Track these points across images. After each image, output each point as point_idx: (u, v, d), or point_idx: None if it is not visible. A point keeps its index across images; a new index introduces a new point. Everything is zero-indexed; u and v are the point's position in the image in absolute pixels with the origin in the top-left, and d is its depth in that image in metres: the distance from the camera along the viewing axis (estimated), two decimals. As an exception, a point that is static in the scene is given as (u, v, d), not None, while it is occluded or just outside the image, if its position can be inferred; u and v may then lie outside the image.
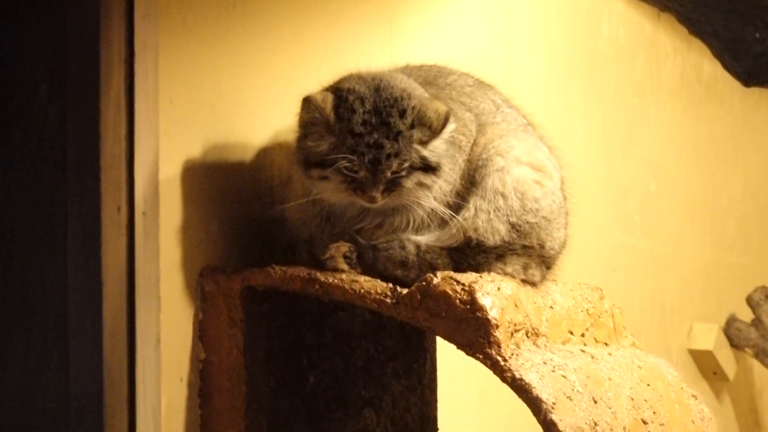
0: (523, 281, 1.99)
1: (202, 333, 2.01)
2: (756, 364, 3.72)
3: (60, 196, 1.90)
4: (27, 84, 1.92)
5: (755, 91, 4.03)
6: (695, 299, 3.66)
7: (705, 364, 3.46)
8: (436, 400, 2.31)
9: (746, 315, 3.73)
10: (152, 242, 1.90)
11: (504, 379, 1.83)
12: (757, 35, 1.51)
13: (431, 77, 2.08)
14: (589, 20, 3.25)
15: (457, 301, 1.84)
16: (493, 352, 1.82)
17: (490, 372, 2.20)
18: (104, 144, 1.88)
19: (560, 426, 1.78)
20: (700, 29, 1.67)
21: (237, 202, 2.11)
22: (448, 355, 2.31)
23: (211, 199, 2.06)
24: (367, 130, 1.91)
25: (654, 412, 1.97)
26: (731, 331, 3.67)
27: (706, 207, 3.82)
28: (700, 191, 3.80)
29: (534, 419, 2.31)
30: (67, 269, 1.90)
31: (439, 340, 2.30)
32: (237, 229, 2.10)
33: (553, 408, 1.79)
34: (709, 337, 3.55)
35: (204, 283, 2.01)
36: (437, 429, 2.30)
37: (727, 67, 1.68)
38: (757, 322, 3.65)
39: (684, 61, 3.69)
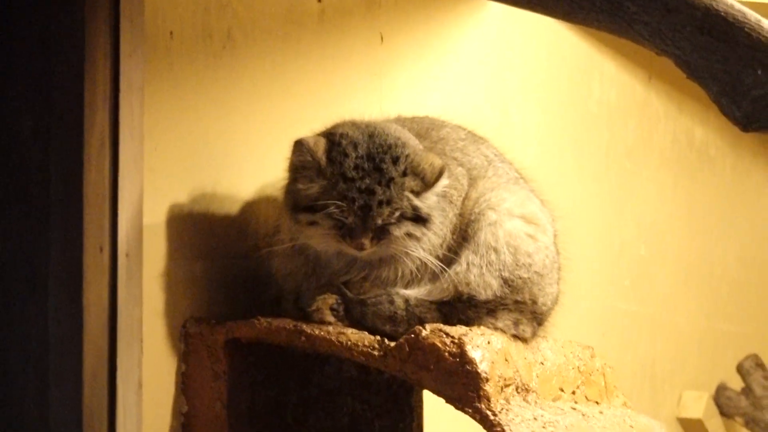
0: (514, 336, 1.98)
1: (184, 385, 2.00)
2: None
3: (42, 235, 1.89)
4: (10, 121, 1.92)
5: (746, 157, 4.12)
6: (686, 366, 3.65)
7: (694, 432, 3.46)
8: None
9: (737, 383, 3.74)
10: (135, 285, 1.89)
11: None
12: (759, 74, 1.52)
13: (423, 130, 2.09)
14: (581, 80, 3.26)
15: (447, 353, 1.83)
16: (483, 406, 1.80)
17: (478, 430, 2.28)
18: (87, 182, 1.87)
19: None
20: (697, 73, 1.67)
21: (222, 253, 2.10)
22: (435, 415, 2.31)
23: (196, 248, 2.06)
24: (359, 175, 1.90)
25: None
26: (721, 400, 3.67)
27: (699, 273, 3.83)
28: (693, 257, 3.82)
29: None
30: (48, 308, 1.88)
31: (426, 399, 2.29)
32: (222, 281, 2.09)
33: None
34: (698, 406, 3.56)
35: (187, 335, 1.99)
36: None
37: (725, 111, 1.67)
38: (747, 391, 3.65)
39: (675, 125, 3.70)
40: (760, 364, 3.68)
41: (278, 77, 2.27)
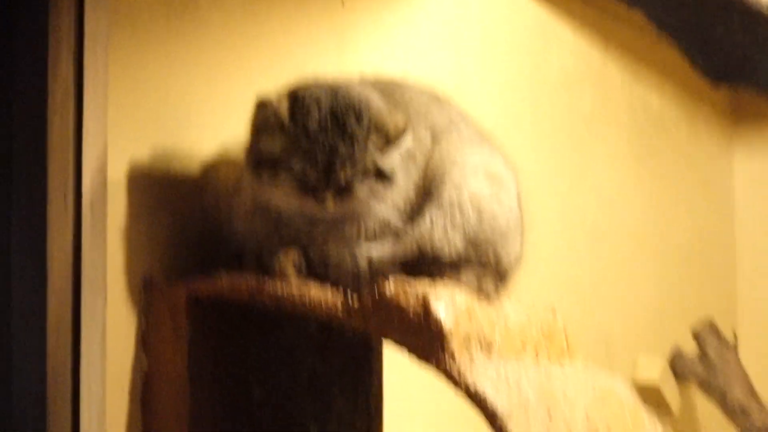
0: (478, 294, 1.99)
1: (145, 342, 2.00)
2: (700, 397, 3.80)
3: (5, 184, 1.88)
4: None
5: (701, 126, 4.19)
6: (641, 332, 3.71)
7: (650, 396, 3.50)
8: (381, 419, 2.32)
9: (692, 348, 3.81)
10: (99, 237, 1.88)
11: (458, 389, 1.82)
12: (730, 30, 1.54)
13: (387, 90, 2.09)
14: (540, 48, 3.31)
15: (410, 310, 1.83)
16: (447, 360, 1.81)
17: (438, 392, 2.26)
18: (52, 130, 1.87)
19: None
20: (668, 27, 1.69)
21: (183, 212, 2.10)
22: (394, 374, 2.35)
23: (157, 206, 2.05)
24: (322, 132, 1.90)
25: (609, 430, 1.97)
26: (676, 364, 3.74)
27: (654, 240, 3.87)
28: (648, 223, 3.86)
29: None
30: (11, 257, 1.87)
31: (386, 359, 2.33)
32: (183, 238, 2.09)
33: (508, 419, 1.79)
34: (654, 370, 3.62)
35: (149, 291, 1.99)
36: None
37: (696, 64, 1.69)
38: (701, 356, 3.72)
39: (632, 94, 3.74)
40: (715, 330, 3.74)
41: (241, 37, 2.26)
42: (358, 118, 1.92)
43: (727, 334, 3.79)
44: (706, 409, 3.88)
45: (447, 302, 1.86)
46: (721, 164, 4.45)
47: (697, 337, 3.74)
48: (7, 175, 1.93)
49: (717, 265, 4.41)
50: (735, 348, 3.74)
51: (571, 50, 3.37)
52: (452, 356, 1.81)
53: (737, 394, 3.57)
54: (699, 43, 1.72)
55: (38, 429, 1.84)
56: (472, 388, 1.80)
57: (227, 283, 1.94)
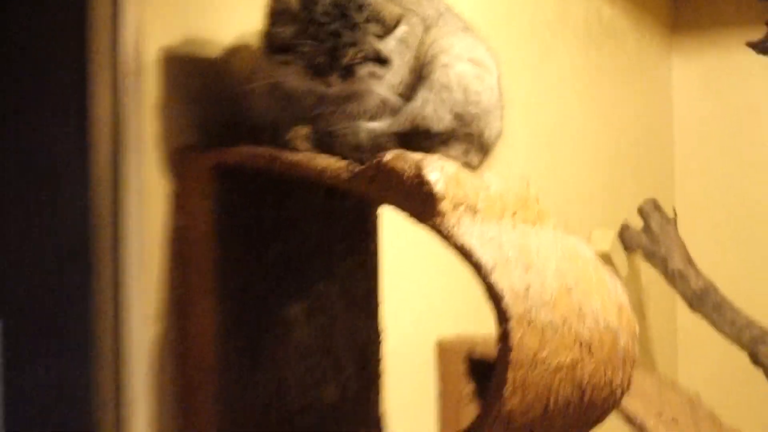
0: (464, 164, 2.02)
1: (178, 204, 2.03)
2: (645, 265, 3.94)
3: (48, 47, 1.87)
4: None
5: (647, 33, 4.30)
6: (595, 210, 3.82)
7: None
8: (377, 276, 2.36)
9: (638, 223, 3.95)
10: (137, 109, 1.88)
11: (449, 245, 1.86)
12: None
13: None
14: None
15: (406, 176, 1.86)
16: (438, 221, 1.84)
17: (428, 252, 2.43)
18: (93, 8, 1.84)
19: (499, 286, 1.81)
20: None
21: (209, 90, 2.11)
22: (390, 238, 2.40)
23: (187, 84, 2.05)
24: (327, 20, 1.92)
25: (576, 282, 2.02)
26: (625, 237, 3.90)
27: (607, 132, 3.95)
28: (602, 119, 3.93)
29: (465, 288, 2.38)
30: (54, 121, 1.87)
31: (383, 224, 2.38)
32: (209, 115, 2.10)
33: (492, 271, 1.83)
34: (606, 241, 3.79)
35: (179, 161, 2.01)
36: (379, 301, 2.35)
37: None
38: (646, 229, 3.85)
39: (588, 5, 3.81)
40: (657, 207, 3.84)
41: None
42: (359, 8, 1.94)
43: (668, 210, 3.88)
44: (650, 274, 3.99)
45: (438, 169, 1.89)
46: (662, 64, 4.51)
47: (642, 213, 3.84)
48: (52, 50, 1.90)
49: (659, 153, 4.49)
50: (674, 222, 3.83)
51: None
52: (443, 216, 1.85)
53: (676, 261, 3.65)
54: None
55: (82, 280, 1.86)
56: (459, 244, 1.84)
57: (247, 152, 1.97)
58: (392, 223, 2.33)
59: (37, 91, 1.91)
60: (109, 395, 1.74)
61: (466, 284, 2.48)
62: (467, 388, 2.75)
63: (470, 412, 2.73)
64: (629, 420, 3.28)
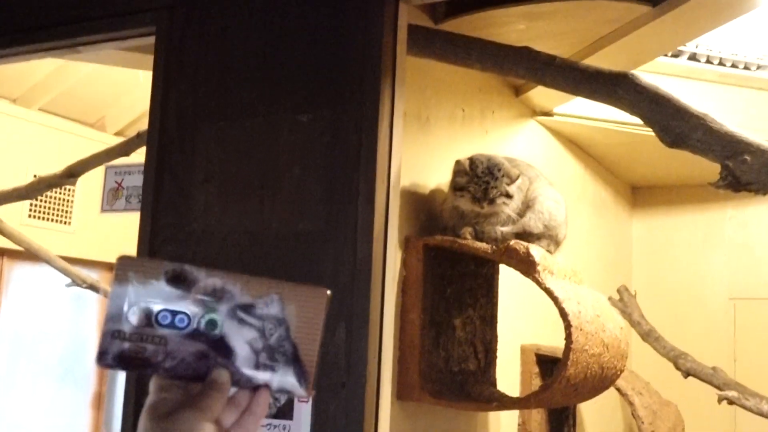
0: (547, 250, 2.28)
1: (405, 263, 2.18)
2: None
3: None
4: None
5: (621, 208, 4.32)
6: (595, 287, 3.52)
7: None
8: (497, 308, 2.51)
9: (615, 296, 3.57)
10: (394, 211, 1.81)
11: (541, 288, 2.11)
12: (682, 124, 1.65)
13: (510, 160, 2.41)
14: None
15: (521, 252, 2.14)
16: (536, 275, 2.12)
17: (518, 297, 2.74)
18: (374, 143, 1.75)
19: (566, 309, 2.10)
20: (649, 121, 1.77)
21: (425, 209, 2.32)
22: (503, 291, 2.53)
23: (415, 203, 2.24)
24: (483, 175, 2.22)
25: (601, 312, 2.31)
26: (611, 302, 3.29)
27: (590, 261, 3.81)
28: (591, 249, 3.80)
29: (535, 319, 2.71)
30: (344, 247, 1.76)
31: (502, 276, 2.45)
32: (422, 220, 2.31)
33: (563, 301, 2.11)
34: None
35: (406, 241, 2.21)
36: (496, 321, 2.49)
37: (661, 138, 1.76)
38: (621, 300, 3.65)
39: (595, 189, 3.89)
40: (626, 290, 3.73)
41: (451, 140, 2.42)
42: (498, 170, 2.31)
43: (632, 292, 3.64)
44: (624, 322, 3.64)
45: (536, 250, 2.23)
46: (625, 226, 4.54)
47: (619, 292, 3.69)
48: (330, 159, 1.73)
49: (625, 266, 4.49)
50: (635, 297, 3.62)
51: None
52: (538, 273, 2.17)
53: (636, 316, 3.49)
54: (664, 131, 1.77)
55: (365, 294, 1.72)
56: (547, 288, 2.12)
57: (441, 239, 2.21)
58: (504, 281, 2.51)
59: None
60: (372, 355, 1.71)
61: (535, 317, 2.88)
62: (535, 369, 2.95)
63: (537, 382, 2.87)
64: (618, 390, 3.62)
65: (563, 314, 2.15)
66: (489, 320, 2.45)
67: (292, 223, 1.77)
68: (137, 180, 2.65)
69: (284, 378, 0.81)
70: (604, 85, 1.82)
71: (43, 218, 4.65)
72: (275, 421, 1.76)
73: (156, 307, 0.79)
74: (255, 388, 0.82)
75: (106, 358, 0.79)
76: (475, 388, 2.30)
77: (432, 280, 2.24)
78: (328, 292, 0.82)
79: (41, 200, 4.63)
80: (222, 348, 0.80)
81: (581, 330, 2.19)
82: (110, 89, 4.93)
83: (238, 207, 1.83)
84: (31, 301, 5.05)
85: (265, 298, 0.81)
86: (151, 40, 1.99)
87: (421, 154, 2.30)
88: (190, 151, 1.92)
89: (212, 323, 0.80)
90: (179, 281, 0.79)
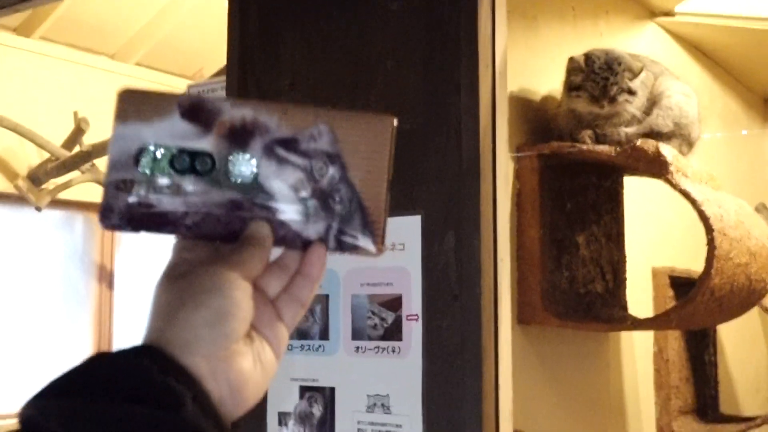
0: (679, 152, 2.22)
1: (517, 174, 2.13)
2: None
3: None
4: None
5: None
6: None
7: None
8: (623, 224, 2.40)
9: None
10: (503, 118, 1.73)
11: (676, 190, 2.02)
12: None
13: (631, 55, 2.27)
14: None
15: (650, 152, 2.04)
16: (669, 176, 2.02)
17: (646, 212, 2.56)
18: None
19: (707, 213, 2.03)
20: None
21: (538, 114, 2.22)
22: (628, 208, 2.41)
23: (526, 111, 2.18)
24: (600, 71, 2.10)
25: (745, 218, 2.22)
26: None
27: None
28: None
29: (669, 238, 2.52)
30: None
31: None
32: (536, 127, 2.24)
33: (702, 204, 2.05)
34: None
35: (519, 150, 2.13)
36: (624, 240, 2.35)
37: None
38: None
39: None
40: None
41: (562, 38, 2.32)
42: (619, 64, 2.17)
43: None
44: None
45: (667, 149, 2.13)
46: (759, 141, 4.27)
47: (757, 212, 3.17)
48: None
49: None
50: None
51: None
52: (671, 174, 2.08)
53: None
54: None
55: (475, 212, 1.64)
56: (683, 189, 2.06)
57: (557, 145, 2.12)
58: (630, 198, 2.41)
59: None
60: (487, 265, 1.63)
61: (667, 237, 2.76)
62: (669, 293, 2.81)
63: (670, 303, 2.72)
64: (765, 309, 3.32)
65: (703, 217, 2.04)
66: (615, 239, 2.34)
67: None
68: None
69: (343, 230, 0.66)
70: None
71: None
72: (383, 343, 1.69)
73: (170, 149, 0.64)
74: (305, 244, 0.66)
75: (111, 217, 0.65)
76: (604, 311, 2.19)
77: (549, 193, 2.15)
78: (395, 120, 0.67)
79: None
80: (258, 196, 0.65)
81: (725, 235, 2.07)
82: (207, 38, 4.86)
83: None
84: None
85: (311, 130, 0.65)
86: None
87: (528, 57, 2.22)
88: (273, 55, 1.86)
89: (243, 165, 0.65)
90: (198, 115, 0.64)
